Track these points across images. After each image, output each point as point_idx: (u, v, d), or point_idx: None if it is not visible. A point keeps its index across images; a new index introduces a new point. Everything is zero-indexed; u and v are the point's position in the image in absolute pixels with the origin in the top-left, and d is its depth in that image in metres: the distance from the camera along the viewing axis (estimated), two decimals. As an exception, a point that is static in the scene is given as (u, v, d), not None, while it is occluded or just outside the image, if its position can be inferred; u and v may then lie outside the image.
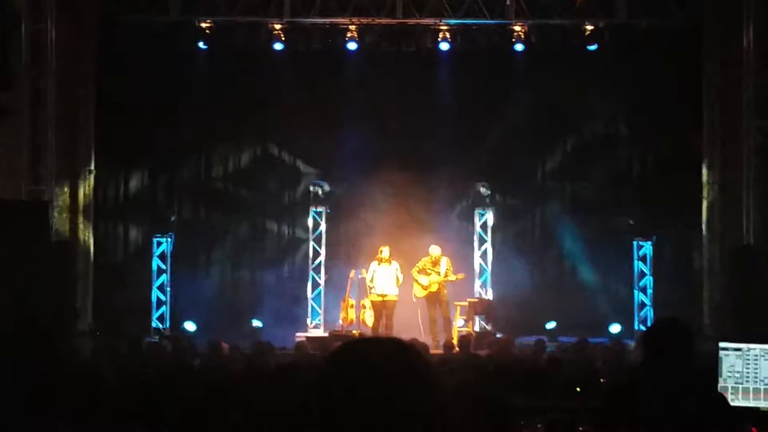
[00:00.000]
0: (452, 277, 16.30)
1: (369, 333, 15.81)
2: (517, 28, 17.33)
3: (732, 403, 6.29)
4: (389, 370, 2.34)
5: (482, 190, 17.86)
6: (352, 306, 16.68)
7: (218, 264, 18.57)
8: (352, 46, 17.58)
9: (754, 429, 6.13)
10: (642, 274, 17.51)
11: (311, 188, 18.12)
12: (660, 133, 18.32)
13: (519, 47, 17.49)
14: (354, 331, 16.22)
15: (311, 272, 17.96)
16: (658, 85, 17.59)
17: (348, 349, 2.44)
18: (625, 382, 5.08)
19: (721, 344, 6.50)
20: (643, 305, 17.40)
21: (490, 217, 17.96)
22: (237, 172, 19.02)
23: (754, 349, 6.40)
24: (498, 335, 16.22)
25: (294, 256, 18.83)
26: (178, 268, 17.78)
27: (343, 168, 18.27)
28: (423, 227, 17.72)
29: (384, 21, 17.54)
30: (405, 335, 13.57)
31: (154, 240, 17.55)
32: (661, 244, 17.64)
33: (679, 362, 4.56)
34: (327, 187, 18.11)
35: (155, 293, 17.44)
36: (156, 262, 17.48)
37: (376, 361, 2.37)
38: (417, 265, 16.47)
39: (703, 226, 17.03)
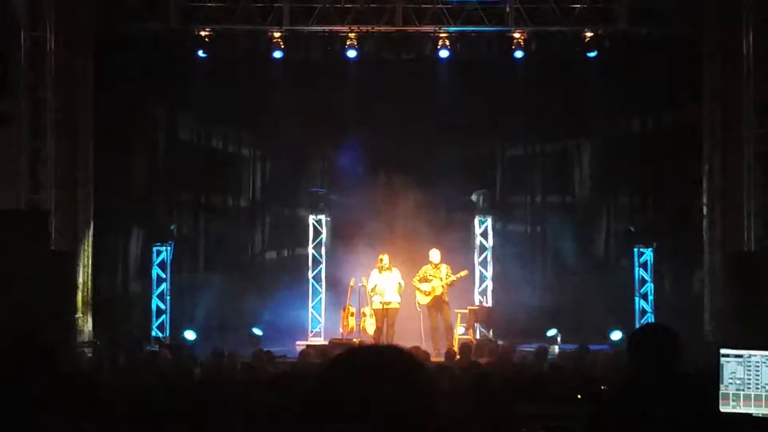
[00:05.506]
0: (453, 277, 16.22)
1: (369, 341, 15.78)
2: (516, 35, 17.32)
3: (733, 410, 6.27)
4: (389, 378, 2.32)
5: (482, 197, 17.82)
6: (352, 314, 16.65)
7: (218, 272, 18.51)
8: (351, 53, 17.56)
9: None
10: (643, 281, 17.46)
11: (312, 198, 18.09)
12: (660, 139, 18.30)
13: (519, 54, 17.47)
14: (354, 339, 16.19)
15: (311, 280, 17.91)
16: (658, 92, 17.60)
17: (348, 356, 2.42)
18: (619, 388, 5.05)
19: (723, 351, 6.48)
20: (644, 312, 17.35)
21: (489, 224, 17.94)
22: (236, 180, 19.02)
23: (756, 355, 6.37)
24: (499, 342, 16.20)
25: (294, 263, 18.80)
26: (177, 277, 17.75)
27: (343, 176, 18.28)
28: (423, 235, 17.69)
29: (383, 28, 17.53)
30: (407, 343, 13.55)
31: (154, 249, 17.51)
32: (662, 250, 17.59)
33: (666, 366, 4.54)
34: (326, 196, 18.09)
35: (155, 302, 17.39)
36: (156, 271, 17.44)
37: (376, 369, 2.35)
38: (417, 274, 16.43)
39: (704, 233, 16.99)
